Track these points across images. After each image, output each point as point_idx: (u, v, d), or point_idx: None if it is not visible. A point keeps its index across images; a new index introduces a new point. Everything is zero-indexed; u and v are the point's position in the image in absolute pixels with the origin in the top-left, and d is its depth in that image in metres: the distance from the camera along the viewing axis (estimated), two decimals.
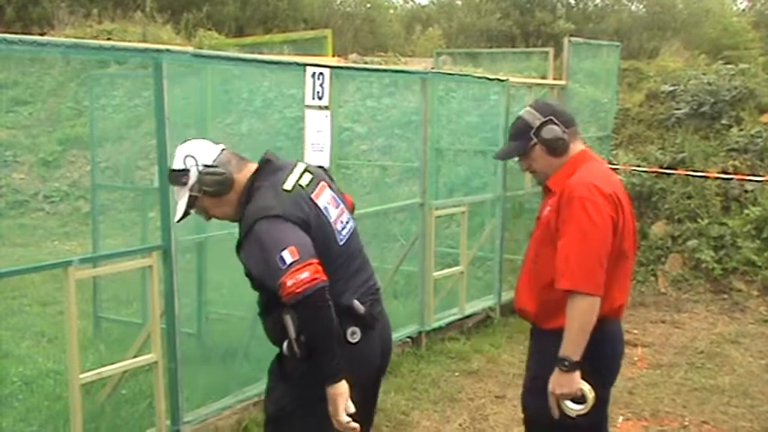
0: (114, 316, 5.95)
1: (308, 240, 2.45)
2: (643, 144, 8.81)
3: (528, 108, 2.88)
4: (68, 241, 9.28)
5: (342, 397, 2.43)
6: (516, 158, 2.95)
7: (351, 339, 2.57)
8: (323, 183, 2.70)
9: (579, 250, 2.60)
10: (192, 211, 2.70)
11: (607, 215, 2.64)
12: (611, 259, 2.68)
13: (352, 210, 2.91)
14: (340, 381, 2.43)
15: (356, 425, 2.45)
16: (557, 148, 2.79)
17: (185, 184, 2.62)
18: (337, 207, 2.69)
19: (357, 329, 2.58)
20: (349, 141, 9.43)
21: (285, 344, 2.52)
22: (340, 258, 2.60)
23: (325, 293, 2.39)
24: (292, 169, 2.66)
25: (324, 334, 2.42)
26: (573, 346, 2.61)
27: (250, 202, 2.57)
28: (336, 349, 2.43)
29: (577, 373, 2.63)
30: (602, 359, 2.78)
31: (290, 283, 2.35)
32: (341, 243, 2.63)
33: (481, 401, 4.96)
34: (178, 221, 2.75)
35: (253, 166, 2.67)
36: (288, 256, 2.37)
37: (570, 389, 2.65)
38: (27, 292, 6.83)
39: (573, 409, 2.66)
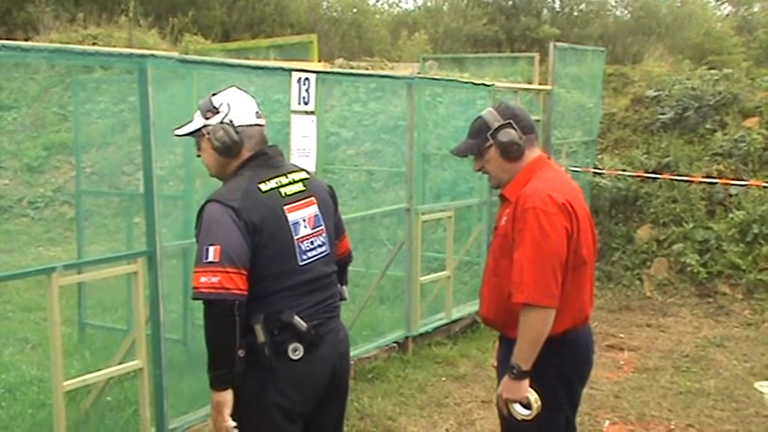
0: (99, 322, 5.93)
1: (241, 248, 2.42)
2: (628, 148, 8.87)
3: (490, 109, 2.87)
4: (53, 247, 9.22)
5: (221, 405, 2.45)
6: (472, 157, 2.93)
7: (293, 356, 2.52)
8: (311, 199, 2.66)
9: (533, 262, 2.58)
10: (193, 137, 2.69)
11: (560, 225, 2.61)
12: (571, 268, 2.67)
13: (343, 254, 2.89)
14: (222, 390, 2.45)
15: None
16: (511, 152, 2.77)
17: (206, 118, 2.62)
18: (314, 228, 2.64)
19: (300, 346, 2.53)
20: (335, 146, 9.43)
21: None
22: (294, 276, 2.55)
23: (230, 307, 2.37)
24: (285, 174, 2.64)
25: (212, 342, 2.44)
26: (523, 355, 2.62)
27: (225, 184, 2.60)
28: (225, 361, 2.42)
29: (525, 382, 2.65)
30: (568, 365, 2.81)
31: (201, 279, 2.38)
32: (300, 263, 2.57)
33: (468, 406, 4.96)
34: (177, 135, 2.75)
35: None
36: (211, 254, 2.39)
37: (517, 395, 2.67)
38: (11, 299, 6.80)
39: (520, 413, 2.70)
